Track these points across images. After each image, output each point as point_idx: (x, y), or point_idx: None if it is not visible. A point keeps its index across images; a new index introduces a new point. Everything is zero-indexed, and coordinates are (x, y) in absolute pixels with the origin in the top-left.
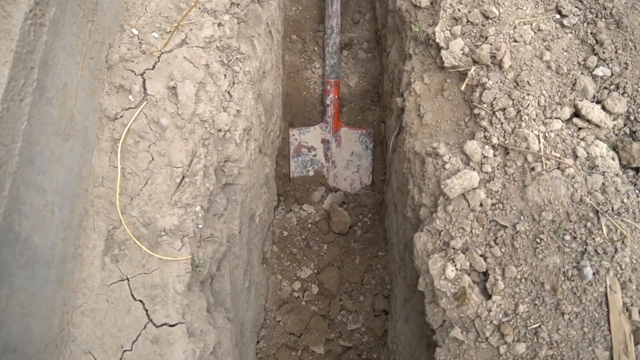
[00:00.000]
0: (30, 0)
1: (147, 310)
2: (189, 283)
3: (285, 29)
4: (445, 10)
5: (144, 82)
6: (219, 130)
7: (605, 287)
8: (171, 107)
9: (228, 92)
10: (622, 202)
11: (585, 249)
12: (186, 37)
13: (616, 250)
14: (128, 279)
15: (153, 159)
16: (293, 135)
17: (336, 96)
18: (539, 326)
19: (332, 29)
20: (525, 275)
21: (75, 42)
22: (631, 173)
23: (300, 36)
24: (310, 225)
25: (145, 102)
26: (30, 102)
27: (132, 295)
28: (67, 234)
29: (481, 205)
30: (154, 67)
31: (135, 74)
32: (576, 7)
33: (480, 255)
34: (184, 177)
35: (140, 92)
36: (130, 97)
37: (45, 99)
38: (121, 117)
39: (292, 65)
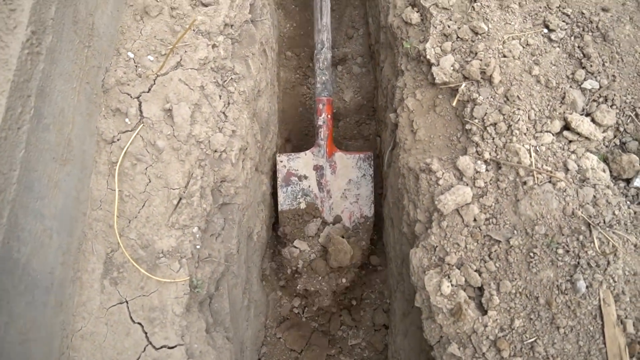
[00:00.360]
0: (27, 29)
1: (146, 333)
2: (187, 304)
3: (280, 46)
4: (436, 27)
5: (140, 105)
6: (215, 151)
7: (599, 300)
8: (167, 129)
9: (223, 113)
10: (614, 214)
11: (578, 262)
12: (181, 60)
13: (609, 262)
14: (127, 302)
15: (150, 181)
16: (281, 161)
17: (329, 116)
18: (535, 341)
19: (323, 44)
20: (520, 290)
21: (72, 68)
22: (622, 184)
23: (295, 52)
24: (303, 266)
25: (142, 124)
26: (27, 129)
27: (131, 317)
28: (66, 258)
29: (475, 220)
30: (149, 89)
31: (131, 97)
32: (563, 21)
33: (475, 271)
34: (181, 199)
35: (136, 115)
36: (126, 120)
37: (43, 126)
38: (118, 140)
39: (287, 82)
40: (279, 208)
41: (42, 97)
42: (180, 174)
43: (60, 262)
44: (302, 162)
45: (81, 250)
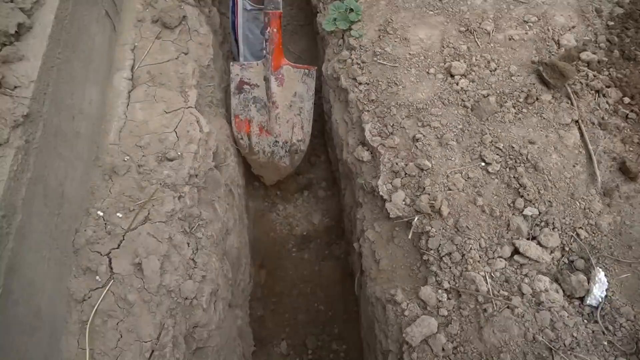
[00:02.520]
0: None
1: None
2: None
3: (247, 178)
4: (385, 165)
5: (110, 261)
6: (186, 299)
7: None
8: (137, 282)
9: (192, 259)
10: (573, 336)
11: None
12: (149, 214)
13: None
14: None
15: (122, 337)
16: (234, 70)
17: (276, 29)
18: None
19: None
20: None
21: (42, 238)
22: (577, 303)
23: (263, 182)
24: None
25: (112, 280)
26: None
27: None
28: None
29: (443, 349)
30: (119, 246)
31: (101, 254)
32: (497, 154)
33: None
34: (153, 351)
35: (106, 272)
36: (97, 277)
37: (11, 302)
38: (89, 298)
39: (257, 211)
40: (232, 113)
41: (10, 275)
42: (152, 325)
43: None
44: (253, 72)
45: None
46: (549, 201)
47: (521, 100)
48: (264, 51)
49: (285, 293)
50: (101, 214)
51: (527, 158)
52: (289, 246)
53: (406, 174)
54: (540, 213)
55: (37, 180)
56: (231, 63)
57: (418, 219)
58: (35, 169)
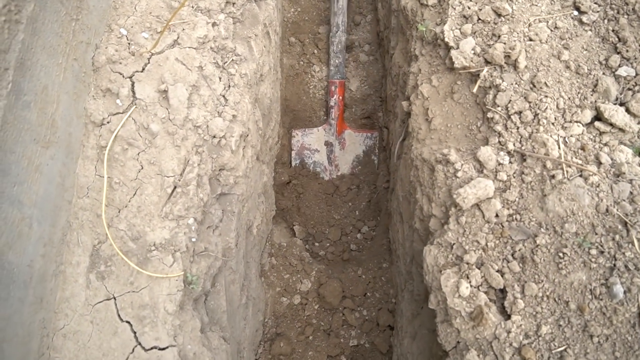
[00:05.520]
0: None
1: (135, 332)
2: (181, 302)
3: (284, 31)
4: (454, 8)
5: (132, 85)
6: (214, 137)
7: (638, 306)
8: (162, 112)
9: (223, 96)
10: None
11: (615, 265)
12: (178, 38)
13: None
14: (115, 298)
15: (142, 168)
16: (295, 136)
17: (340, 97)
18: (565, 350)
19: (338, 27)
20: (548, 293)
21: (57, 42)
22: None
23: (299, 39)
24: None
25: (134, 106)
26: (4, 106)
27: (118, 315)
28: (48, 250)
29: (497, 216)
30: (143, 69)
31: (123, 76)
32: (595, 3)
33: (497, 271)
34: (175, 187)
35: (128, 96)
36: (118, 101)
37: (23, 103)
38: (108, 122)
39: (291, 69)
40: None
41: (21, 71)
42: (176, 160)
43: (41, 254)
44: (314, 137)
45: (65, 242)
46: None
47: None
48: (329, 117)
49: None
50: (125, 32)
51: (633, 9)
52: (320, 113)
53: (479, 19)
54: (637, 74)
55: None
56: (292, 130)
57: (487, 71)
58: None
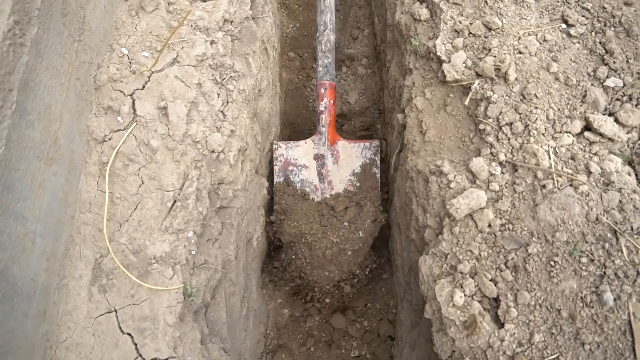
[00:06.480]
0: (9, 19)
1: (136, 344)
2: (180, 314)
3: (283, 47)
4: (446, 23)
5: (133, 102)
6: (213, 152)
7: (629, 313)
8: (162, 128)
9: (221, 112)
10: None
11: (605, 272)
12: (177, 56)
13: (638, 273)
14: (116, 311)
15: (143, 183)
16: (278, 148)
17: (331, 101)
18: (557, 358)
19: (326, 25)
20: (540, 302)
21: (60, 63)
22: None
23: (298, 53)
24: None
25: (135, 123)
26: (8, 125)
27: (120, 328)
28: (51, 264)
29: (490, 226)
30: (144, 87)
31: (124, 94)
32: (583, 16)
33: (491, 280)
34: (175, 201)
35: (129, 113)
36: (119, 118)
37: (26, 122)
38: (110, 139)
39: (290, 83)
40: (275, 199)
41: (25, 92)
42: (175, 175)
43: (44, 268)
44: (301, 151)
45: (68, 256)
46: (638, 72)
47: None
48: (319, 125)
49: None
50: (126, 51)
51: (619, 21)
52: None
53: (470, 33)
54: (624, 85)
55: None
56: (274, 142)
57: (479, 83)
58: None
